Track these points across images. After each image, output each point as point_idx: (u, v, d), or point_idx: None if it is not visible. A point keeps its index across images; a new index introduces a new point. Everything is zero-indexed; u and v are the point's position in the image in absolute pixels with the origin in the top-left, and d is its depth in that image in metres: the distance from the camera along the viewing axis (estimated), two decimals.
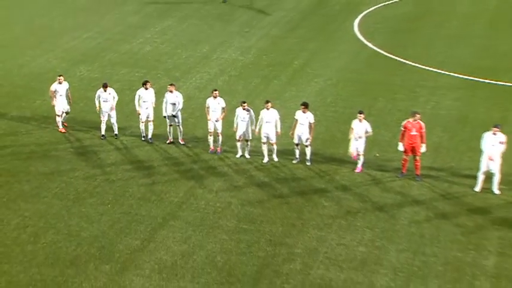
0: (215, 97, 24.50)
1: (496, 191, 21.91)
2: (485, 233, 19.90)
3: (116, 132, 25.86)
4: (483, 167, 21.95)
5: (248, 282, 17.98)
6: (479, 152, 24.11)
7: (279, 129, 23.99)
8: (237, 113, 24.27)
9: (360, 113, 23.41)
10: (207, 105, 24.60)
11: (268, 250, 19.27)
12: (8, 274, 18.13)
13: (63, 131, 25.92)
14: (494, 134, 22.02)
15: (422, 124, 22.84)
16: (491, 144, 21.85)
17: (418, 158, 22.81)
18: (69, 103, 25.94)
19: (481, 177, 22.09)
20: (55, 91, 25.62)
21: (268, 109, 23.93)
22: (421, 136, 22.78)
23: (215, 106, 24.44)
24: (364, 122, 23.33)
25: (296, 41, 36.75)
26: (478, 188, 22.10)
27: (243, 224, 20.50)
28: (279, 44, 36.44)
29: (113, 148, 25.28)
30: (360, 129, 23.19)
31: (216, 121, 24.46)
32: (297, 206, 21.43)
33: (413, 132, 22.72)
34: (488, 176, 22.09)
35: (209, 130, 24.59)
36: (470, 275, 18.12)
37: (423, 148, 22.85)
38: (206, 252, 19.18)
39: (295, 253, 19.12)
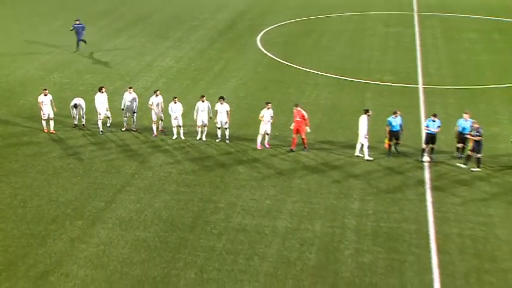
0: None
1: (367, 157, 22.26)
2: (351, 185, 20.47)
3: (84, 123, 25.22)
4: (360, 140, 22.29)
5: (186, 230, 17.94)
6: (349, 129, 24.79)
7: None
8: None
9: (267, 103, 23.45)
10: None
11: (200, 206, 19.24)
12: (4, 230, 17.64)
13: (47, 131, 24.64)
14: (368, 115, 22.29)
15: (304, 112, 23.01)
16: (365, 123, 22.12)
17: (304, 136, 22.97)
18: (53, 110, 24.84)
19: (358, 146, 22.42)
20: (42, 102, 24.51)
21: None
22: (305, 120, 22.90)
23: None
24: (270, 109, 23.40)
25: (215, 52, 36.52)
26: (356, 153, 22.45)
27: (181, 188, 20.37)
28: (203, 54, 36.12)
29: (81, 135, 24.57)
30: (267, 115, 23.27)
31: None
32: (220, 173, 21.44)
33: (297, 118, 22.86)
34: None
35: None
36: (342, 215, 18.62)
37: (307, 129, 23.05)
38: (154, 209, 19.00)
39: (220, 207, 19.17)
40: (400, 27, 42.12)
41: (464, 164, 21.44)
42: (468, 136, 21.44)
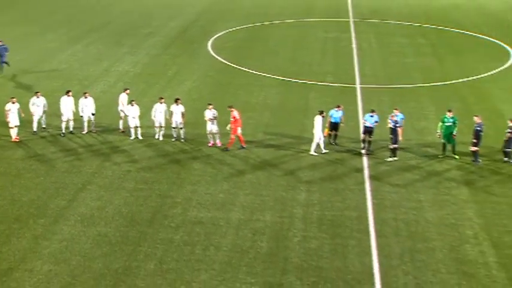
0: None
1: (312, 152, 22.32)
2: (298, 178, 20.57)
3: (44, 126, 24.38)
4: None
5: (145, 224, 17.60)
6: (295, 126, 24.94)
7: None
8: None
9: (209, 104, 23.19)
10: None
11: (158, 201, 18.92)
12: None
13: (14, 139, 23.33)
14: (323, 116, 22.20)
15: (235, 113, 22.54)
16: (319, 123, 22.09)
17: (239, 135, 22.36)
18: (20, 117, 23.65)
19: (314, 145, 22.26)
20: (9, 109, 23.30)
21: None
22: (236, 121, 22.33)
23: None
24: (212, 110, 23.05)
25: (169, 57, 36.00)
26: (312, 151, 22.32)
27: (140, 185, 19.97)
28: (157, 59, 35.54)
29: (41, 138, 23.71)
30: (209, 115, 22.94)
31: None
32: (177, 170, 21.14)
33: (231, 119, 22.58)
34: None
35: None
36: (290, 206, 18.72)
37: (238, 130, 22.43)
38: (114, 206, 18.55)
39: (177, 202, 18.91)
40: (337, 33, 42.69)
41: (392, 156, 21.81)
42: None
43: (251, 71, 33.38)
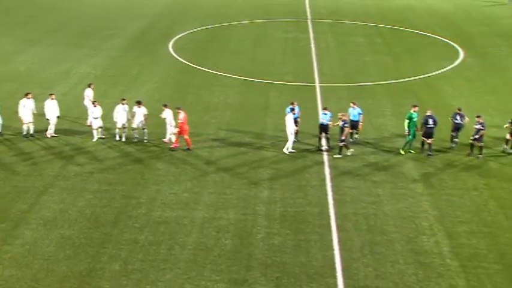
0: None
1: (285, 150, 22.29)
2: (261, 175, 20.64)
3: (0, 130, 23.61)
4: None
5: (109, 225, 17.32)
6: (257, 125, 25.00)
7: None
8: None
9: (165, 106, 22.96)
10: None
11: (122, 202, 18.64)
12: None
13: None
14: (293, 109, 22.23)
15: (181, 115, 22.22)
16: (291, 122, 22.06)
17: (186, 137, 22.12)
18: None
19: (290, 139, 22.17)
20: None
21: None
22: (183, 123, 21.99)
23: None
24: (167, 110, 22.83)
25: (130, 59, 35.48)
26: (285, 149, 22.23)
27: (103, 186, 19.63)
28: (119, 61, 34.98)
29: (1, 142, 22.94)
30: (168, 115, 22.75)
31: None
32: (140, 170, 20.88)
33: (179, 120, 22.34)
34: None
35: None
36: (253, 203, 18.76)
37: (183, 133, 22.04)
38: (77, 208, 18.17)
39: (141, 202, 18.69)
40: (296, 33, 43.02)
41: (343, 153, 22.11)
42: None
43: (212, 71, 33.26)
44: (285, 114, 23.45)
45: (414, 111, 22.54)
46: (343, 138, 21.71)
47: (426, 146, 22.39)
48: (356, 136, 23.75)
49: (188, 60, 35.32)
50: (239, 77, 32.35)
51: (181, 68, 34.04)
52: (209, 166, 21.34)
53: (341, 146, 21.88)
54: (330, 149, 22.55)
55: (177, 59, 35.89)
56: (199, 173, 20.79)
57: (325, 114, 22.51)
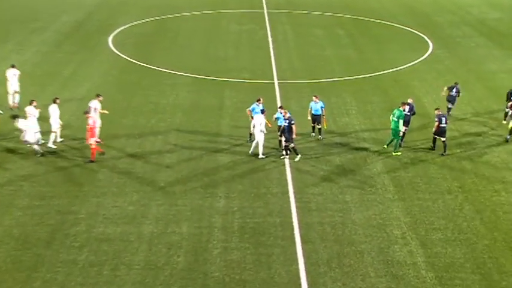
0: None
1: (261, 156, 22.24)
2: (216, 183, 20.51)
3: None
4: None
5: (42, 246, 16.75)
6: (211, 128, 24.86)
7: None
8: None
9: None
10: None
11: (57, 218, 18.09)
12: None
13: None
14: (259, 104, 22.40)
15: (90, 121, 21.74)
16: (260, 123, 22.04)
17: (92, 144, 21.61)
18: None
19: (254, 144, 22.36)
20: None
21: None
22: (91, 129, 21.64)
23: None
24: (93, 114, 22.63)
25: (63, 55, 34.66)
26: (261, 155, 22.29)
27: (35, 201, 18.99)
28: (50, 57, 34.10)
29: None
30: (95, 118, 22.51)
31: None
32: (78, 182, 20.34)
33: (88, 126, 21.93)
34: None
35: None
36: (209, 214, 18.60)
37: (92, 140, 21.53)
38: (3, 228, 17.50)
39: (80, 218, 18.19)
40: (252, 25, 43.18)
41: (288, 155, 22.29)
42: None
43: (159, 69, 32.92)
44: (243, 115, 23.42)
45: (403, 109, 23.03)
46: (293, 137, 21.84)
47: (439, 143, 23.02)
48: (320, 137, 24.17)
49: (131, 57, 34.82)
50: (190, 75, 32.13)
51: (124, 66, 33.54)
52: (158, 174, 21.04)
53: (294, 147, 22.00)
54: (292, 152, 22.60)
55: (118, 55, 35.33)
56: (146, 182, 20.46)
57: (281, 113, 22.58)
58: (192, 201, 19.37)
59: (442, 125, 22.88)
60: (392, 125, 22.90)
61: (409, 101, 24.02)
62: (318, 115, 23.95)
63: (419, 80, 31.83)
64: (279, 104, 27.08)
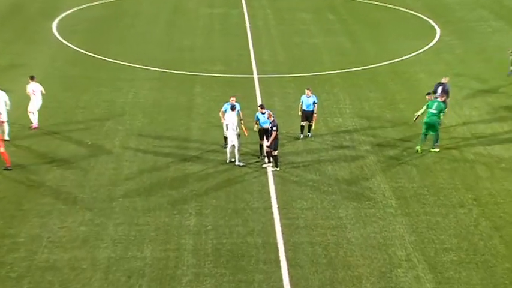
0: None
1: (238, 162, 22.41)
2: (186, 198, 20.51)
3: None
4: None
5: None
6: (176, 132, 24.86)
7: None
8: None
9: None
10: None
11: None
12: None
13: None
14: (234, 106, 22.36)
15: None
16: (232, 123, 22.17)
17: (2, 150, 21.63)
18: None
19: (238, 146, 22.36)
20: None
21: None
22: None
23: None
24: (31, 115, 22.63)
25: None
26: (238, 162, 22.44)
27: None
28: None
29: None
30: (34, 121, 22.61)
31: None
32: (16, 198, 20.15)
33: None
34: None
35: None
36: (177, 235, 18.56)
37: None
38: None
39: (19, 242, 18.02)
40: (225, 8, 43.33)
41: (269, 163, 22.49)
42: None
43: (115, 61, 32.83)
44: (217, 115, 23.44)
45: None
46: (268, 145, 21.92)
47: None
48: (309, 134, 24.56)
49: (80, 46, 34.69)
50: (152, 68, 32.10)
51: (72, 57, 33.42)
52: (115, 187, 20.98)
53: (276, 156, 22.16)
54: (275, 158, 22.74)
55: (64, 44, 35.17)
56: (101, 197, 20.38)
57: (263, 114, 22.62)
58: (156, 219, 19.33)
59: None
60: (428, 119, 23.40)
61: (444, 80, 25.41)
62: (309, 111, 24.36)
63: (424, 73, 32.22)
64: (258, 102, 27.21)
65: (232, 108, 22.49)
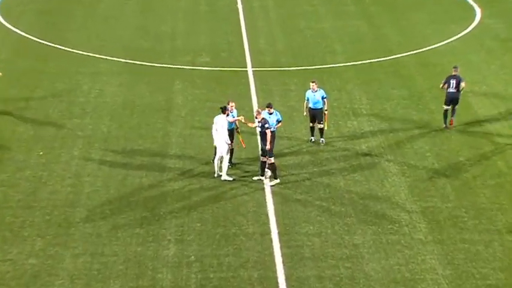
0: None
1: (225, 177, 22.44)
2: (163, 220, 20.40)
3: None
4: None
5: None
6: (151, 139, 24.79)
7: None
8: None
9: None
10: None
11: None
12: None
13: None
14: (225, 108, 22.39)
15: None
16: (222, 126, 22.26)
17: None
18: None
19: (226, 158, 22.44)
20: None
21: None
22: None
23: None
24: None
25: None
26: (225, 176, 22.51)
27: None
28: None
29: None
30: None
31: None
32: None
33: None
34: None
35: None
36: (152, 268, 18.45)
37: None
38: None
39: None
40: None
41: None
42: None
43: (74, 50, 32.79)
44: (200, 121, 23.36)
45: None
46: (269, 148, 21.91)
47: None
48: (321, 140, 24.55)
49: (30, 32, 34.70)
50: (121, 60, 32.08)
51: (19, 46, 33.50)
52: (74, 209, 20.88)
53: (273, 165, 22.09)
54: (273, 174, 22.65)
55: (10, 29, 35.16)
56: (56, 221, 20.26)
57: (270, 114, 22.59)
58: (126, 247, 19.20)
59: (451, 91, 23.90)
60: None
61: (454, 72, 25.63)
62: (317, 109, 24.26)
63: (460, 64, 31.95)
64: (254, 101, 27.18)
65: (224, 110, 22.45)
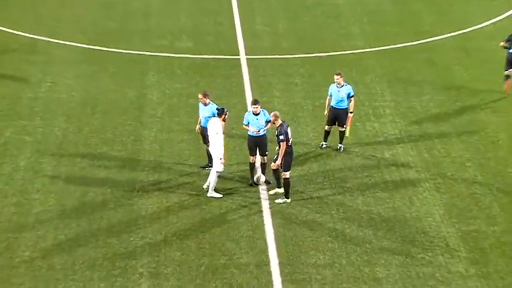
0: None
1: (211, 193, 22.57)
2: (134, 250, 20.36)
3: None
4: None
5: None
6: (118, 145, 24.79)
7: None
8: None
9: None
10: None
11: None
12: None
13: None
14: (224, 120, 22.51)
15: None
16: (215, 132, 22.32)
17: None
18: None
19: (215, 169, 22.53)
20: None
21: None
22: None
23: None
24: None
25: None
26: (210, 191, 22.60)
27: None
28: None
29: None
30: None
31: None
32: None
33: None
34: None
35: None
36: None
37: None
38: None
39: None
40: None
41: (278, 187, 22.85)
42: None
43: (20, 33, 32.94)
44: (181, 124, 23.31)
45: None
46: (279, 163, 22.15)
47: None
48: (339, 146, 24.82)
49: None
50: (80, 45, 32.16)
51: None
52: (20, 235, 20.84)
53: (287, 180, 22.29)
54: (270, 182, 22.82)
55: None
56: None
57: (261, 115, 22.68)
58: (86, 284, 19.16)
59: None
60: None
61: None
62: (341, 109, 24.41)
63: (500, 49, 32.14)
64: (248, 95, 27.19)
65: (220, 113, 22.55)
